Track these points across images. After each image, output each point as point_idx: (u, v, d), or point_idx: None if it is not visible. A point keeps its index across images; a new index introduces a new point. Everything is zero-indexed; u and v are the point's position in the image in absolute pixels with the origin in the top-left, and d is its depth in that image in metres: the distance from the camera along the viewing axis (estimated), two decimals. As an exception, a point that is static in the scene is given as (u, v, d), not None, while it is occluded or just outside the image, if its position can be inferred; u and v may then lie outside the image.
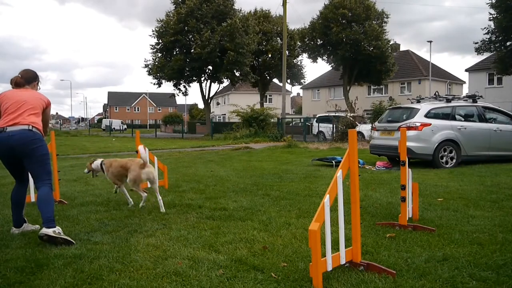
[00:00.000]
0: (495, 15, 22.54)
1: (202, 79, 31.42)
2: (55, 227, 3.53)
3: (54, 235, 3.47)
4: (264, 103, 37.73)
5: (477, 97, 9.67)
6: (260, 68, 35.86)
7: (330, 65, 33.62)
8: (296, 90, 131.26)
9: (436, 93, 10.00)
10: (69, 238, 3.54)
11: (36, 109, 3.83)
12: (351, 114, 21.58)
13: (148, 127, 64.55)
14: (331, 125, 21.36)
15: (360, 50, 28.62)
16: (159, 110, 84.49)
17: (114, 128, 55.54)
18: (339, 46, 28.77)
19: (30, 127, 3.66)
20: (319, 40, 30.79)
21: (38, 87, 4.13)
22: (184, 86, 32.11)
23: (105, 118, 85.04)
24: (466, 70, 34.68)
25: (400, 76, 37.72)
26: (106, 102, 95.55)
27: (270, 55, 34.37)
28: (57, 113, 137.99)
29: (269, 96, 51.23)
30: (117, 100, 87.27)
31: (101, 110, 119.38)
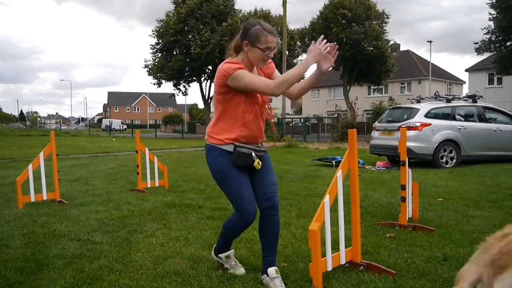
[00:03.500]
0: (495, 15, 22.52)
1: (202, 79, 31.43)
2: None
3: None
4: (264, 103, 37.67)
5: (477, 97, 9.67)
6: (260, 68, 35.82)
7: (330, 65, 33.57)
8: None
9: (436, 93, 10.00)
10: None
11: (214, 106, 2.69)
12: None
13: (148, 127, 64.56)
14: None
15: (360, 50, 28.60)
16: (159, 110, 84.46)
17: (114, 128, 55.52)
18: (339, 46, 28.22)
19: (205, 142, 2.71)
20: (319, 40, 30.74)
21: (248, 51, 2.51)
22: (184, 86, 32.14)
23: (105, 118, 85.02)
24: (466, 70, 34.69)
25: (400, 76, 37.72)
26: (106, 102, 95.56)
27: (270, 55, 34.28)
28: (57, 113, 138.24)
29: (269, 96, 51.18)
30: (117, 100, 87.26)
31: (101, 110, 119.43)
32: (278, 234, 2.65)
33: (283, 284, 2.54)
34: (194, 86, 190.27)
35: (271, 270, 2.57)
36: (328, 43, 2.48)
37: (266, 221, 2.60)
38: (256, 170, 2.58)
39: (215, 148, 2.58)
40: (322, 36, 2.54)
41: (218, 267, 2.86)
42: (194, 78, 31.14)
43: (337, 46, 2.52)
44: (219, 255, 2.83)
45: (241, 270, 2.79)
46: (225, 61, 2.55)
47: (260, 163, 2.57)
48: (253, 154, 2.55)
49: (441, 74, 40.59)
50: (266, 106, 2.68)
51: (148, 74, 31.20)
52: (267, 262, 2.61)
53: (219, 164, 2.57)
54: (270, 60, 2.63)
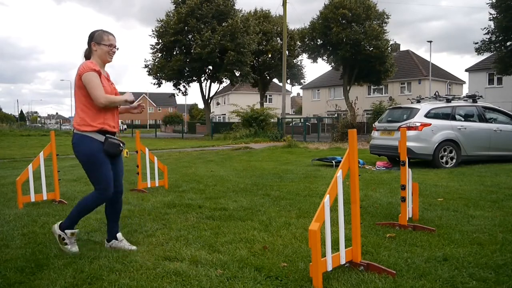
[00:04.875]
0: (495, 15, 22.53)
1: (202, 79, 31.45)
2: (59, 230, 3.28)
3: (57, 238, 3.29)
4: (264, 103, 37.77)
5: (477, 97, 9.68)
6: (260, 68, 35.87)
7: (330, 65, 33.63)
8: (296, 90, 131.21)
9: (436, 93, 10.00)
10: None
11: (76, 98, 3.18)
12: None
13: (148, 127, 64.57)
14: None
15: (360, 50, 28.62)
16: (159, 110, 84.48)
17: (114, 128, 55.37)
18: (339, 46, 28.77)
19: (74, 130, 3.21)
20: (319, 40, 30.78)
21: (96, 49, 3.18)
22: (184, 86, 32.14)
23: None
24: (466, 70, 34.71)
25: (400, 76, 37.74)
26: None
27: (270, 55, 34.40)
28: (57, 113, 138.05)
29: (269, 96, 51.24)
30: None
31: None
32: (120, 211, 3.47)
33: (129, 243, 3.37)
34: (194, 86, 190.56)
35: (120, 235, 3.39)
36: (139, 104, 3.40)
37: (114, 202, 3.35)
38: (114, 160, 3.26)
39: (86, 137, 3.11)
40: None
41: (59, 241, 3.25)
42: (194, 78, 31.17)
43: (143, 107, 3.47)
44: (65, 231, 3.23)
45: (76, 248, 3.25)
46: (87, 61, 3.16)
47: (128, 152, 3.18)
48: (121, 145, 3.20)
49: (441, 74, 40.60)
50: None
51: (148, 74, 31.26)
52: (114, 231, 3.38)
53: (91, 150, 3.10)
54: (113, 84, 3.37)
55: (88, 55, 3.23)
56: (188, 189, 6.32)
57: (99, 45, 3.16)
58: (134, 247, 3.33)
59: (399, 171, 4.10)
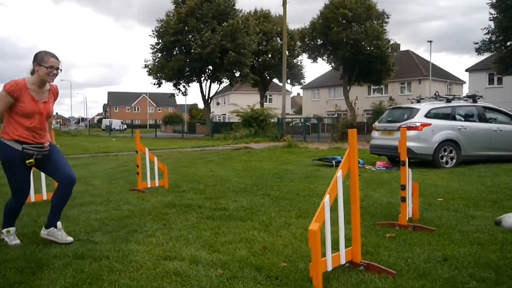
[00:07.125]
0: (495, 15, 22.54)
1: (202, 79, 31.45)
2: None
3: None
4: (264, 103, 37.77)
5: (477, 97, 9.67)
6: (260, 68, 35.87)
7: (330, 65, 33.63)
8: (296, 90, 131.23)
9: (436, 93, 10.00)
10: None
11: None
12: None
13: (148, 127, 64.54)
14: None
15: (360, 50, 28.61)
16: (159, 110, 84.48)
17: (114, 128, 55.52)
18: (339, 46, 28.76)
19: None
20: (319, 40, 30.78)
21: (37, 70, 3.32)
22: (184, 86, 32.15)
23: (105, 118, 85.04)
24: (466, 70, 34.70)
25: (400, 76, 37.73)
26: (106, 102, 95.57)
27: (270, 55, 34.41)
28: (57, 113, 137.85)
29: (269, 96, 51.23)
30: (117, 100, 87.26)
31: (101, 110, 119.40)
32: (67, 200, 3.61)
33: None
34: (194, 86, 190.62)
35: (59, 224, 3.54)
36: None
37: (63, 193, 3.51)
38: (53, 156, 3.50)
39: (6, 145, 3.33)
40: None
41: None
42: (194, 78, 31.17)
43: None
44: (2, 230, 3.55)
45: (17, 242, 3.51)
46: (16, 79, 3.33)
47: (33, 162, 3.39)
48: (35, 155, 3.37)
49: (441, 74, 40.60)
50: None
51: (148, 74, 31.26)
52: (55, 219, 3.51)
53: (8, 157, 3.33)
54: (57, 90, 3.63)
55: (32, 73, 3.38)
56: (188, 189, 6.32)
57: (40, 66, 3.29)
58: (70, 238, 3.53)
59: (399, 171, 4.10)
